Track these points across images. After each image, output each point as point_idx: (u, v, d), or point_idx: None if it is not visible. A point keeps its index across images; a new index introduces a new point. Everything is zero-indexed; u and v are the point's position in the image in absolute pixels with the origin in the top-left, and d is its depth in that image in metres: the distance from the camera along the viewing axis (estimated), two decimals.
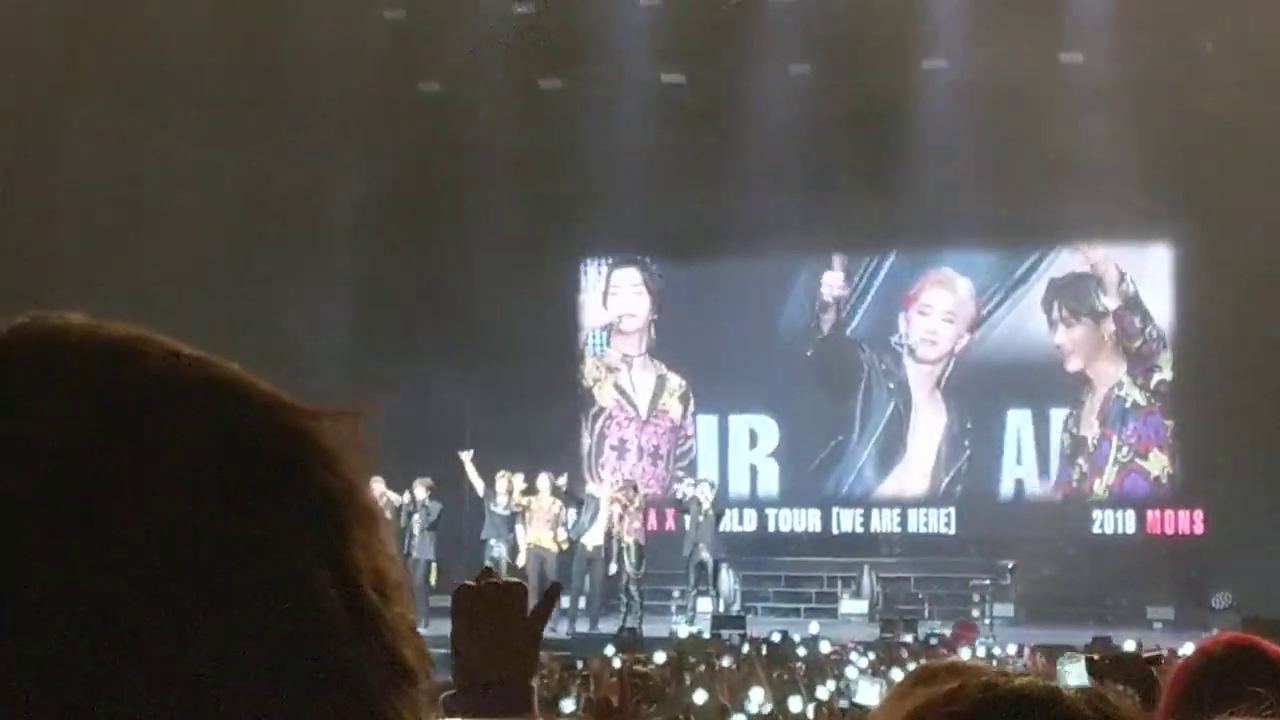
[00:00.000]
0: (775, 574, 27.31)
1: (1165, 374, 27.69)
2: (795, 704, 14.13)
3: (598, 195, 26.59)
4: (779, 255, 27.66)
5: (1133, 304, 27.77)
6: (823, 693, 15.03)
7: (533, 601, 2.71)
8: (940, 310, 28.39)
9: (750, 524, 28.30)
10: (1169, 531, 27.21)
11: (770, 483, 28.84)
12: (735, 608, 24.90)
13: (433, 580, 23.24)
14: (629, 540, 24.26)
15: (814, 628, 21.50)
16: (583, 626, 23.24)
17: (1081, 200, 25.41)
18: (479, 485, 23.91)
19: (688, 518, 25.19)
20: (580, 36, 26.45)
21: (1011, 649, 19.92)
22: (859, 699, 13.54)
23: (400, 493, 23.11)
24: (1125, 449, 27.83)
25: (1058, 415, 27.99)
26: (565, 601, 21.52)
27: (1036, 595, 25.41)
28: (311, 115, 25.42)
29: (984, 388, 27.77)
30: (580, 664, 16.75)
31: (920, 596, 26.30)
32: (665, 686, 14.91)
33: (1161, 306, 27.68)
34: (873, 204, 25.86)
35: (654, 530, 26.03)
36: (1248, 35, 24.11)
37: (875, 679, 14.32)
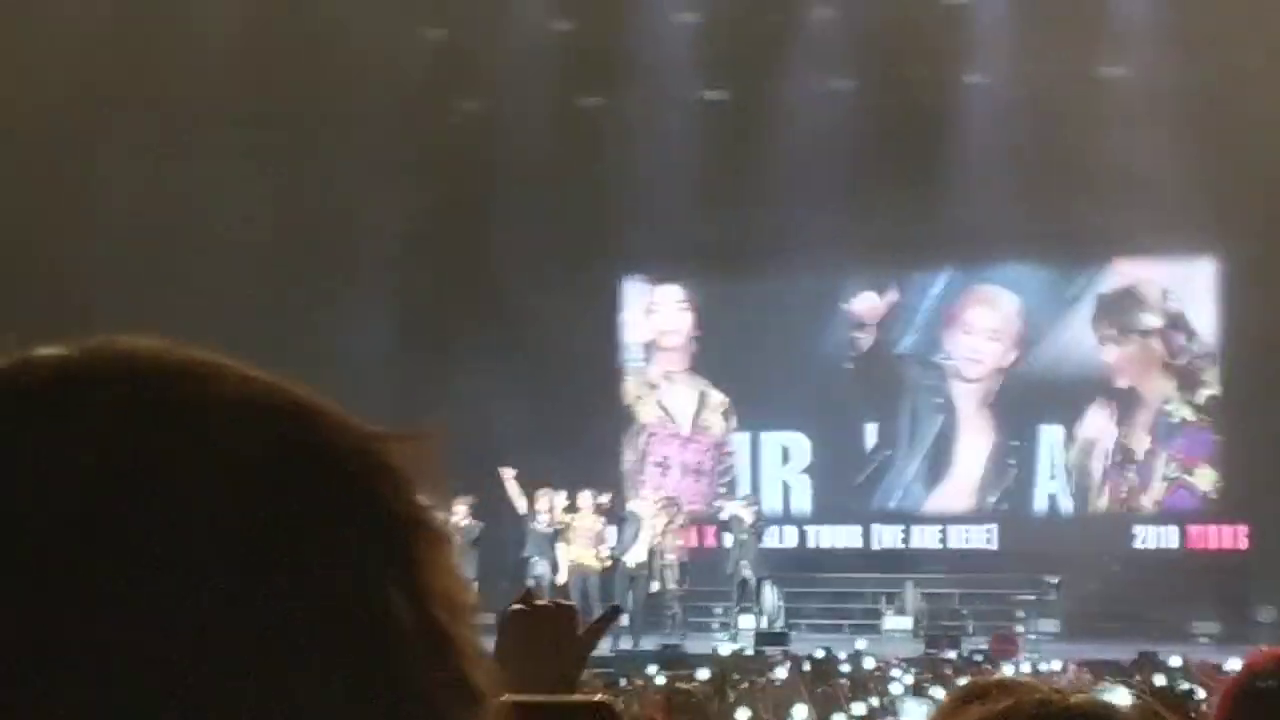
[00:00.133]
0: (818, 590, 27.26)
1: (1213, 389, 27.59)
2: None
3: (638, 212, 26.60)
4: (821, 271, 27.65)
5: (1177, 321, 27.69)
6: (860, 709, 14.96)
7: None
8: (984, 329, 28.34)
9: (790, 541, 28.24)
10: (1212, 546, 27.15)
11: (803, 499, 28.77)
12: (778, 624, 24.84)
13: None
14: (671, 558, 24.26)
15: (858, 644, 21.44)
16: (625, 644, 23.21)
17: (1125, 215, 25.32)
18: (520, 503, 23.90)
19: (729, 535, 25.16)
20: (620, 54, 26.49)
21: (1056, 665, 19.83)
22: (904, 718, 13.49)
23: None
24: (1173, 464, 27.74)
25: (1105, 431, 27.90)
26: None
27: (1080, 610, 25.29)
28: (352, 134, 25.48)
29: (1031, 404, 27.73)
30: (623, 681, 16.72)
31: (964, 612, 26.21)
32: (708, 704, 14.86)
33: (1207, 321, 27.59)
34: (915, 220, 25.85)
35: (696, 547, 26.00)
36: None
37: (921, 698, 14.26)
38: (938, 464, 28.45)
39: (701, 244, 27.16)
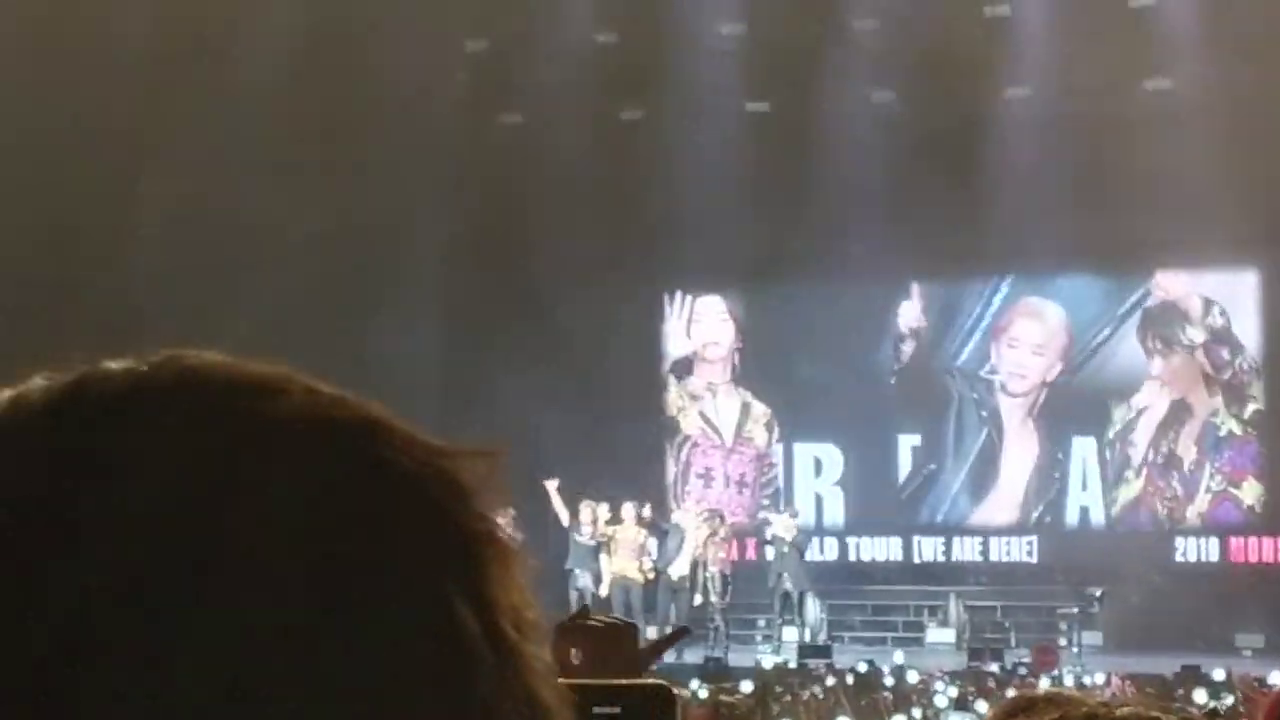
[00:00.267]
0: (861, 603, 27.20)
1: (1259, 403, 27.49)
2: None
3: (681, 224, 26.58)
4: (864, 283, 27.60)
5: (1221, 336, 27.58)
6: None
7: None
8: (1029, 343, 28.26)
9: (831, 553, 28.17)
10: (1253, 559, 27.02)
11: (836, 511, 28.67)
12: (821, 637, 24.79)
13: None
14: (713, 570, 24.23)
15: (899, 657, 21.39)
16: (668, 656, 23.12)
17: (1169, 227, 25.24)
18: (564, 515, 23.90)
19: (770, 548, 25.13)
20: (662, 66, 26.49)
21: (1100, 677, 19.78)
22: None
23: None
24: (1219, 477, 27.62)
25: (1150, 444, 27.79)
26: (651, 631, 21.47)
27: (1124, 623, 25.19)
28: (397, 148, 25.53)
29: (1076, 416, 27.65)
30: None
31: (1006, 625, 26.13)
32: (751, 717, 14.87)
33: (1251, 334, 27.48)
34: (957, 232, 25.80)
35: (738, 559, 25.97)
36: None
37: (964, 712, 14.24)
38: (983, 477, 28.37)
39: (744, 256, 27.12)
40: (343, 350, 22.91)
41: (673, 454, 29.37)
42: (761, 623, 25.86)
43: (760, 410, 29.16)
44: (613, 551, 23.86)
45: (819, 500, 28.71)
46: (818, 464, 28.85)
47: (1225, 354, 27.60)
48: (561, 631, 2.66)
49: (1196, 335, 27.65)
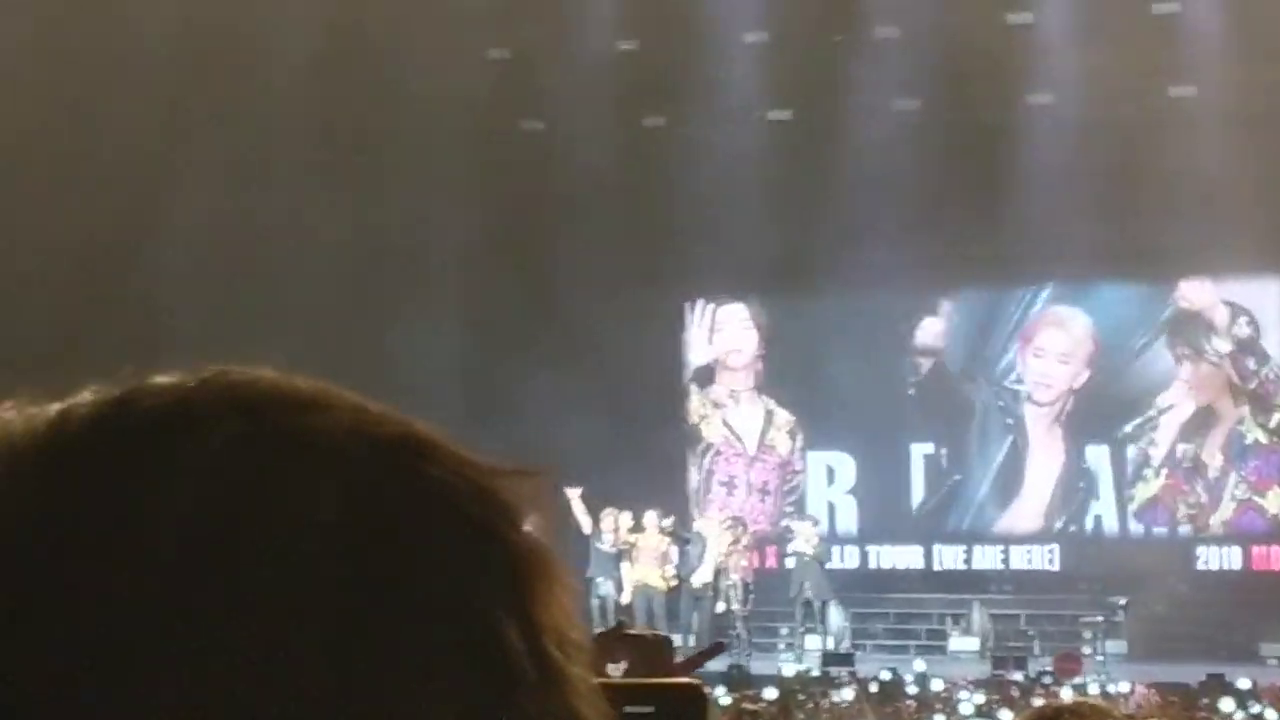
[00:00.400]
0: (884, 611, 27.17)
1: None
2: None
3: (703, 231, 26.58)
4: (886, 290, 27.53)
5: (1247, 346, 27.50)
6: None
7: None
8: (1054, 352, 28.21)
9: (851, 561, 28.10)
10: (1277, 568, 26.95)
11: (849, 519, 28.61)
12: (844, 645, 24.76)
13: None
14: (735, 578, 24.21)
15: (921, 665, 21.36)
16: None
17: (1193, 234, 25.18)
18: (585, 523, 23.90)
19: (791, 559, 25.12)
20: (684, 73, 26.50)
21: (1125, 686, 19.73)
22: None
23: None
24: (1243, 485, 27.55)
25: (1176, 451, 27.72)
26: (675, 639, 21.48)
27: (1148, 632, 25.13)
28: (416, 155, 25.56)
29: (1101, 424, 27.62)
30: None
31: (1030, 634, 26.08)
32: None
33: (1277, 342, 27.40)
34: (980, 239, 25.76)
35: (759, 568, 25.94)
36: None
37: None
38: (1007, 486, 28.31)
39: (766, 263, 27.08)
40: (365, 358, 22.94)
41: (695, 462, 29.35)
42: (784, 631, 25.83)
43: (784, 418, 29.12)
44: (635, 560, 23.86)
45: (831, 508, 28.61)
46: (830, 472, 28.83)
47: (1251, 364, 27.53)
48: (601, 641, 2.64)
49: (1222, 345, 27.59)
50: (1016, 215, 25.72)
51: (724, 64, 26.66)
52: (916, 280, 27.58)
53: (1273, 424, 27.51)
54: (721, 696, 17.09)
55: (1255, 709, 17.03)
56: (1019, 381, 28.34)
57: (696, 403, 29.57)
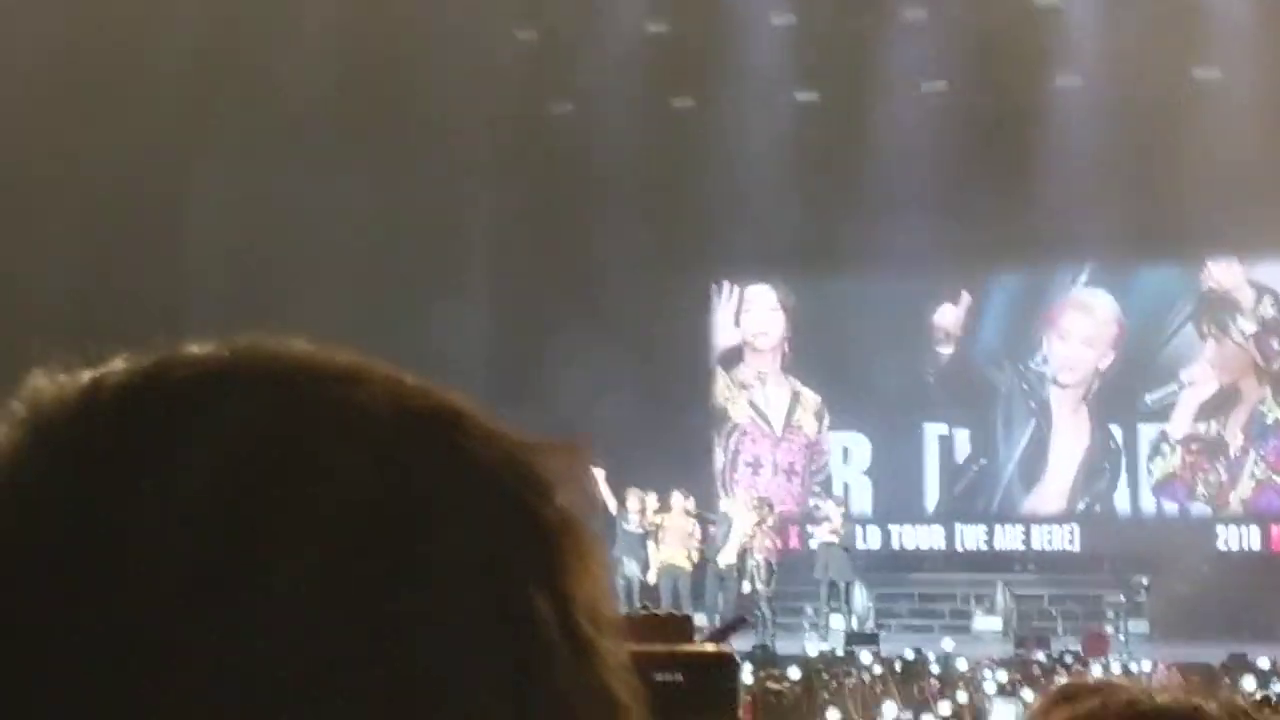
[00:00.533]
0: (908, 591, 27.20)
1: None
2: None
3: (731, 213, 26.59)
4: (913, 272, 27.50)
5: (1271, 326, 27.48)
6: (946, 709, 14.97)
7: None
8: (1078, 336, 28.18)
9: (874, 542, 28.12)
10: None
11: (864, 500, 28.60)
12: (869, 625, 24.80)
13: None
14: (760, 558, 24.24)
15: (946, 644, 21.40)
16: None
17: (1220, 216, 25.12)
18: (611, 503, 23.92)
19: (814, 541, 25.18)
20: (713, 55, 26.51)
21: (1147, 665, 19.76)
22: (994, 719, 13.51)
23: None
24: (1263, 465, 27.55)
25: (1198, 431, 27.73)
26: (700, 619, 21.56)
27: (1170, 611, 25.13)
28: (445, 136, 25.59)
29: (1127, 406, 27.62)
30: None
31: (1053, 613, 26.11)
32: (798, 703, 14.93)
33: None
34: (1007, 222, 25.73)
35: (784, 548, 25.97)
36: None
37: (1010, 698, 14.27)
38: (1032, 467, 28.32)
39: (794, 245, 27.07)
40: (393, 340, 22.93)
41: (721, 443, 29.38)
42: (809, 610, 25.87)
43: (810, 399, 29.14)
44: (661, 540, 23.89)
45: (846, 489, 28.55)
46: (845, 452, 28.86)
47: (1275, 344, 27.51)
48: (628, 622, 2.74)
49: (1247, 326, 27.58)
50: (1043, 198, 25.69)
51: (752, 46, 26.67)
52: (943, 263, 27.55)
53: None
54: (745, 676, 17.15)
55: (1278, 687, 17.05)
56: (1044, 364, 28.35)
57: (723, 384, 29.60)
